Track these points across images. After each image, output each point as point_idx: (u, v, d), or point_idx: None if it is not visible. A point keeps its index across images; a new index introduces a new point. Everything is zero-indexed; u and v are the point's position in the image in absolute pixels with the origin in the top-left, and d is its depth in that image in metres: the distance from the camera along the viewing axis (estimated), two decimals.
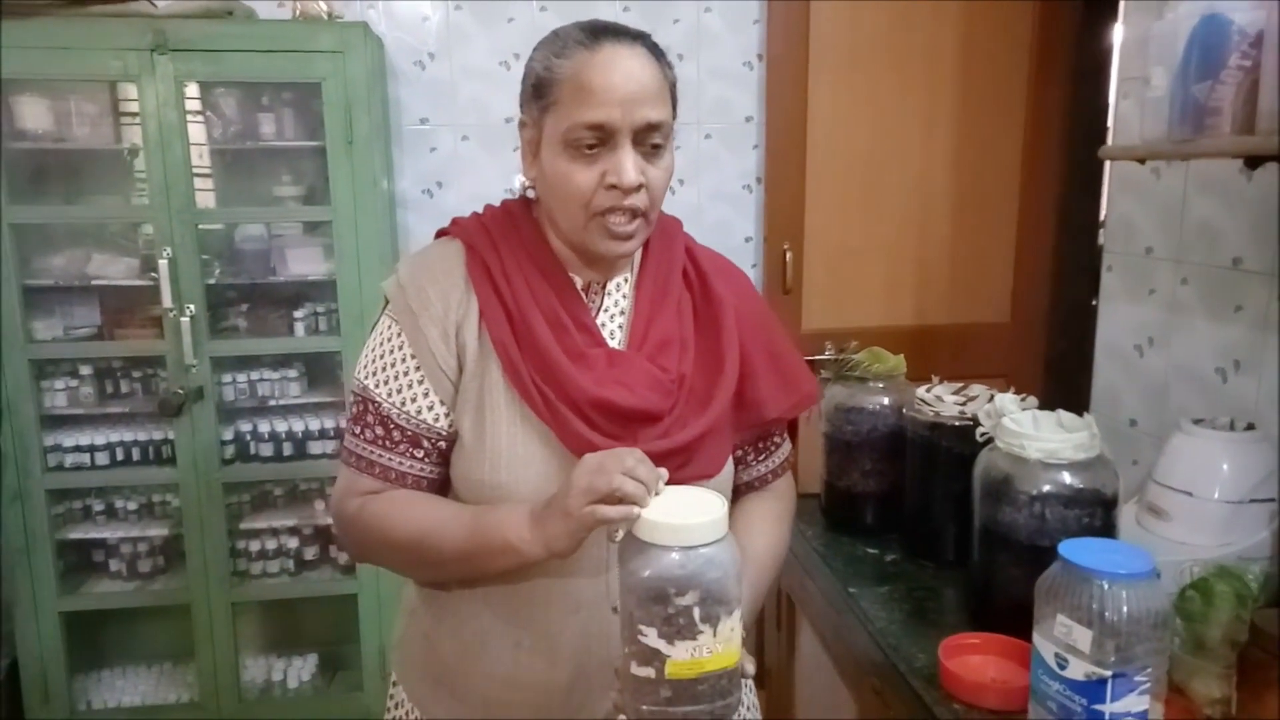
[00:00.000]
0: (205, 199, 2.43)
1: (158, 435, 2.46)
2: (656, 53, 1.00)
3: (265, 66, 2.28)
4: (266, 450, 2.49)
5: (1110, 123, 2.08)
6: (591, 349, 1.01)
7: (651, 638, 0.79)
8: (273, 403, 2.51)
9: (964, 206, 2.73)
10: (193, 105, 2.35)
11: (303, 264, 2.48)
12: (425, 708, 1.11)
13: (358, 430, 1.03)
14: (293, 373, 2.52)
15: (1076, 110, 2.64)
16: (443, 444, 1.03)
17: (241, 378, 2.48)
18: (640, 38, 0.99)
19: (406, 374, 1.01)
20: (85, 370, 2.45)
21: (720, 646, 0.80)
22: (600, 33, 0.97)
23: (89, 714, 2.53)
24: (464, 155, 2.63)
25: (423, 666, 1.11)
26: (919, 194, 2.71)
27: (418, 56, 2.57)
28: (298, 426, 2.49)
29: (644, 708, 0.81)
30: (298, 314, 2.48)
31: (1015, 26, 2.63)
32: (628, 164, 0.95)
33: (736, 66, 2.65)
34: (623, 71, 0.94)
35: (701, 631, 0.79)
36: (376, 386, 1.02)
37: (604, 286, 1.08)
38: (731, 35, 2.63)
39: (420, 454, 1.02)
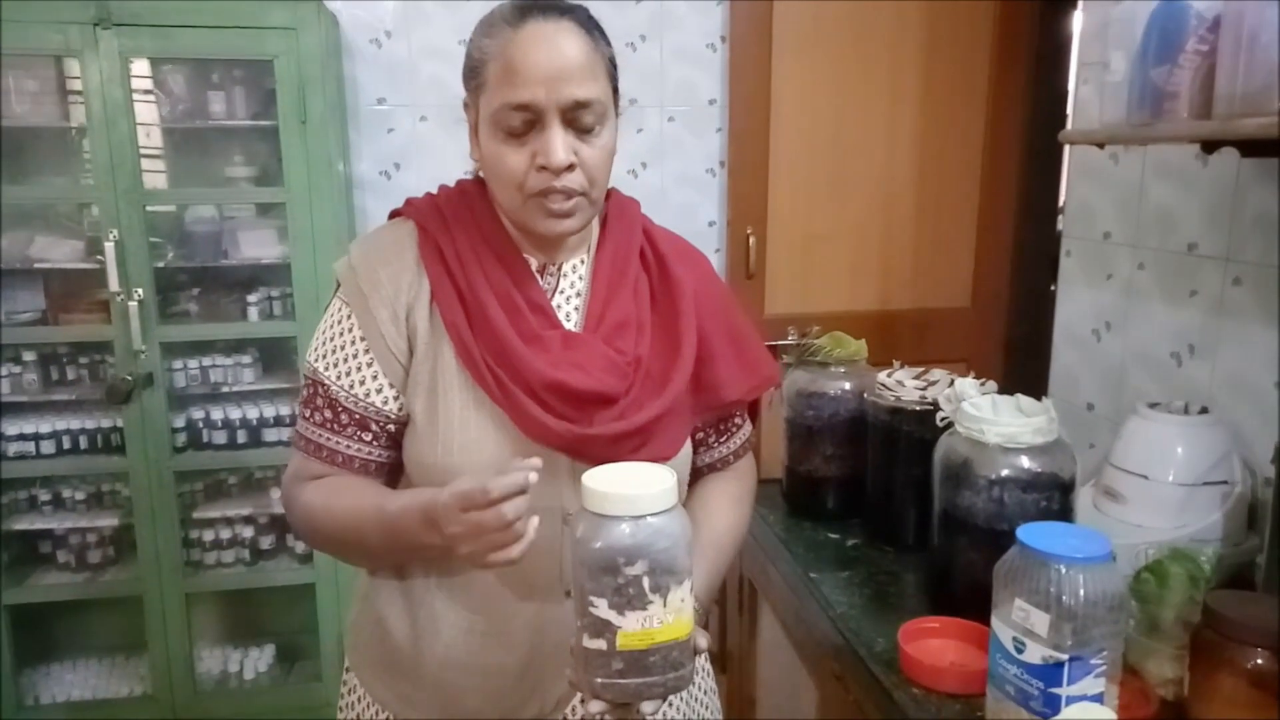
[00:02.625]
0: (155, 179, 2.36)
1: (106, 423, 2.40)
2: (588, 27, 0.97)
3: (215, 43, 2.22)
4: (220, 438, 2.43)
5: (1070, 108, 2.09)
6: (546, 331, 1.00)
7: (602, 609, 0.80)
8: (226, 389, 2.45)
9: (926, 191, 2.74)
10: (141, 83, 2.27)
11: (256, 247, 2.42)
12: (378, 693, 1.10)
13: (307, 413, 1.03)
14: (246, 358, 2.47)
15: (1037, 95, 2.65)
16: (391, 427, 1.02)
17: (193, 363, 2.42)
18: (570, 12, 0.96)
19: (356, 356, 1.01)
20: (29, 356, 2.37)
21: (671, 617, 0.80)
22: (527, 10, 0.95)
23: (36, 709, 2.47)
24: (423, 136, 2.58)
25: (375, 651, 1.10)
26: (882, 179, 2.71)
27: (374, 34, 2.51)
28: (252, 413, 2.44)
29: (597, 680, 0.82)
30: (251, 298, 2.42)
31: (977, 11, 2.63)
32: (556, 144, 0.93)
33: (700, 49, 2.63)
34: (547, 49, 0.92)
35: (651, 601, 0.79)
36: (326, 369, 1.02)
37: (560, 268, 1.06)
38: (694, 17, 2.61)
39: (369, 437, 1.01)
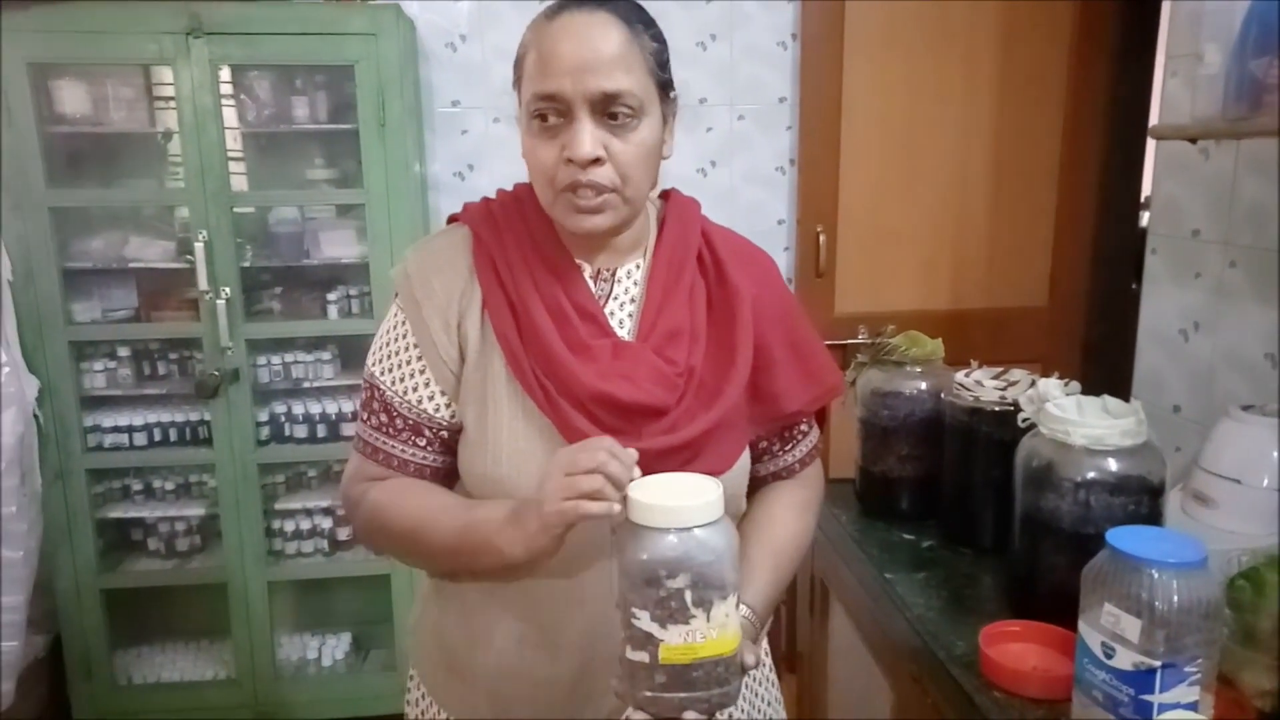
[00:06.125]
0: (239, 182, 2.44)
1: (194, 416, 2.50)
2: (629, 19, 0.93)
3: (298, 49, 2.28)
4: (301, 432, 2.51)
5: (1156, 102, 2.03)
6: (596, 340, 0.98)
7: (644, 621, 0.79)
8: (307, 385, 2.53)
9: (1001, 189, 2.68)
10: (226, 89, 2.36)
11: (336, 247, 2.49)
12: (439, 695, 1.10)
13: (365, 416, 1.04)
14: (326, 355, 2.54)
15: (1118, 89, 2.58)
16: (444, 434, 1.02)
17: (276, 360, 2.50)
18: (609, 2, 0.93)
19: (409, 363, 1.01)
20: (123, 352, 2.48)
21: (714, 632, 0.79)
22: (566, 2, 0.94)
23: (130, 688, 2.58)
24: (496, 137, 2.63)
25: (435, 654, 1.11)
26: (955, 175, 2.67)
27: (449, 38, 2.56)
28: (331, 409, 2.51)
29: (641, 693, 0.81)
30: (331, 297, 2.49)
31: (1055, 6, 2.57)
32: (584, 136, 0.90)
33: (770, 46, 2.62)
34: (576, 39, 0.90)
35: (694, 616, 0.78)
36: (382, 375, 1.03)
37: (614, 273, 1.04)
38: (765, 15, 2.60)
39: (422, 443, 1.02)
